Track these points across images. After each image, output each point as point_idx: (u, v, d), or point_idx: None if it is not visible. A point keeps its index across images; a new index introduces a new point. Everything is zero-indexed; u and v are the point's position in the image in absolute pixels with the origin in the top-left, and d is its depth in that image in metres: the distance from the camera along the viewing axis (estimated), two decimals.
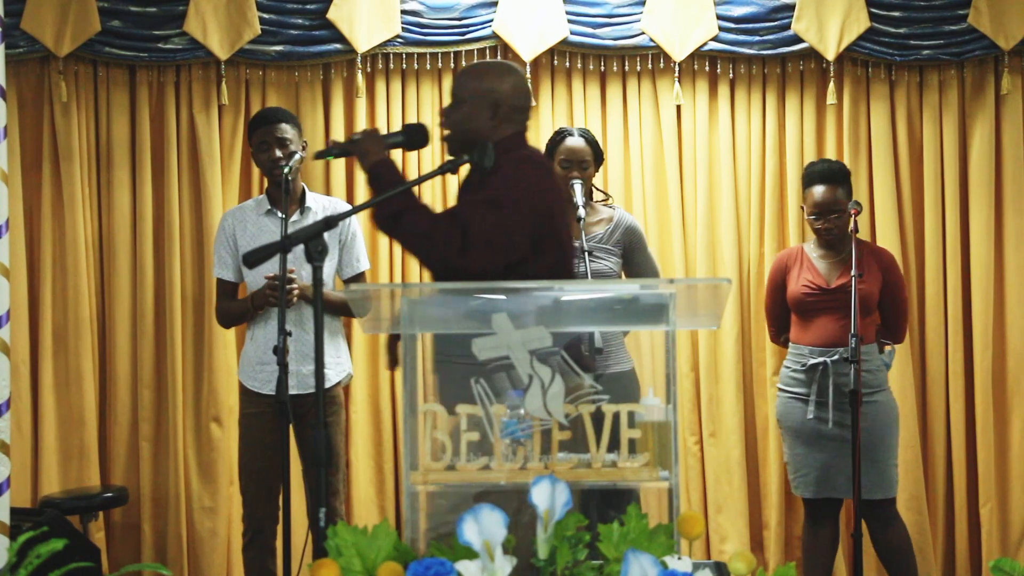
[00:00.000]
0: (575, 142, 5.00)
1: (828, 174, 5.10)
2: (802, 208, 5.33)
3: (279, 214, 4.93)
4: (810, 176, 5.15)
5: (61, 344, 5.86)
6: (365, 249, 5.14)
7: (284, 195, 4.71)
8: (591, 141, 5.06)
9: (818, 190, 5.07)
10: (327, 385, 4.91)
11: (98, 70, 5.93)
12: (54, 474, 5.82)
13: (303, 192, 4.98)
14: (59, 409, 5.85)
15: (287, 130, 4.94)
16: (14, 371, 5.28)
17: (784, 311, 5.22)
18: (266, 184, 5.09)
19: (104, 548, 5.78)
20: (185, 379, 5.89)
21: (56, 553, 2.26)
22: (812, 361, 5.02)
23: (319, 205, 5.02)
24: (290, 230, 4.81)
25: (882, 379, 5.07)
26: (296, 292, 4.73)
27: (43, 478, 5.80)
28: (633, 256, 5.04)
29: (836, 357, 4.97)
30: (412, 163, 5.96)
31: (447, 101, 3.97)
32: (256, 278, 4.84)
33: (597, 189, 5.22)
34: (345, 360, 5.07)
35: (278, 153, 4.90)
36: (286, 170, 4.70)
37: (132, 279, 5.92)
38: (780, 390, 5.18)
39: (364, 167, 3.70)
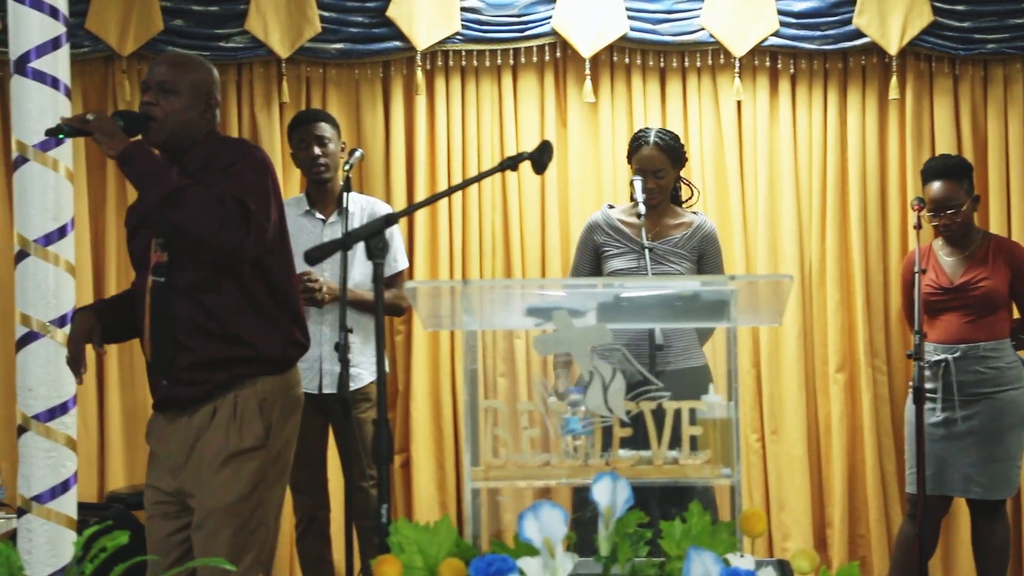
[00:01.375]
0: (648, 151, 4.82)
1: (943, 170, 5.05)
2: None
3: (316, 215, 5.08)
4: (926, 173, 5.11)
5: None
6: (403, 248, 5.26)
7: (345, 193, 4.81)
8: (665, 147, 4.84)
9: (934, 186, 5.02)
10: (361, 384, 5.03)
11: None
12: (120, 469, 5.90)
13: (341, 193, 5.01)
14: (124, 405, 5.92)
15: (326, 129, 5.05)
16: None
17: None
18: (305, 184, 5.21)
19: None
20: None
21: (121, 547, 2.28)
22: (935, 358, 4.98)
23: (357, 206, 5.09)
24: (327, 231, 5.03)
25: (1012, 377, 5.00)
26: (325, 293, 4.82)
27: (109, 473, 5.88)
28: (702, 265, 4.94)
29: (958, 354, 4.96)
30: (455, 162, 5.98)
31: (160, 87, 3.60)
32: None
33: (686, 184, 5.02)
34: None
35: (316, 151, 5.01)
36: (346, 168, 4.79)
37: None
38: (911, 388, 5.11)
39: (113, 150, 3.45)
